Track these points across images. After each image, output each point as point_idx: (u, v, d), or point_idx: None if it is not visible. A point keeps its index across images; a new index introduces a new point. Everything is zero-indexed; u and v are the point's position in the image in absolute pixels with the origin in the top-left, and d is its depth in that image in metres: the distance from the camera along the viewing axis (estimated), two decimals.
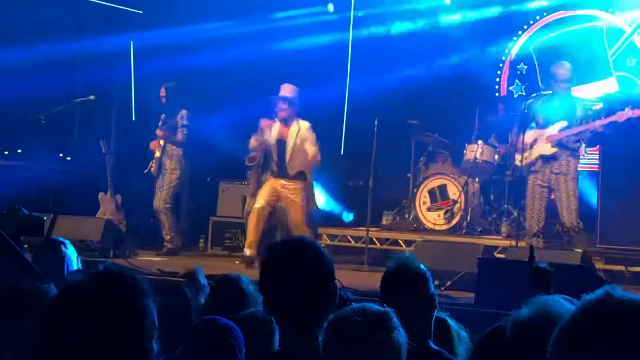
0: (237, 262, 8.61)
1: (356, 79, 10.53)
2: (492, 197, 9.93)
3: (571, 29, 10.50)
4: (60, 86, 9.68)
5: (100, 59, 10.35)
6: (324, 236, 9.76)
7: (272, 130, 8.69)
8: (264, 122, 8.68)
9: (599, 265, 7.92)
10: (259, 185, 8.89)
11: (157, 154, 9.45)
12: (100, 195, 9.89)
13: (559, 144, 8.06)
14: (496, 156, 9.52)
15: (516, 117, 8.57)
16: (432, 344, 3.02)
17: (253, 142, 8.72)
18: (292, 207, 8.69)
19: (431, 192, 9.73)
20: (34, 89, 9.13)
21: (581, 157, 8.73)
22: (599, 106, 8.79)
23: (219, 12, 10.54)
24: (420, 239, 8.70)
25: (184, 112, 9.37)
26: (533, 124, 8.26)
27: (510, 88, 10.98)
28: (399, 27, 10.95)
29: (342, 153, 10.62)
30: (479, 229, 9.50)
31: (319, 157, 8.68)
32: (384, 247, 9.37)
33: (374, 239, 9.39)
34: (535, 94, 8.57)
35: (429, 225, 9.64)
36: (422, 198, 9.76)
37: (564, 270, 5.77)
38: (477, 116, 10.25)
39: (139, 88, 10.91)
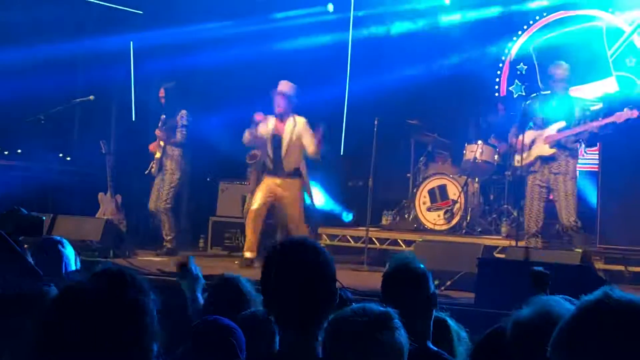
0: (236, 262, 8.60)
1: (356, 79, 10.54)
2: (492, 197, 9.93)
3: (571, 29, 10.50)
4: (60, 86, 9.67)
5: (100, 59, 10.36)
6: (324, 236, 9.76)
7: (268, 125, 8.66)
8: (258, 116, 8.65)
9: (599, 265, 7.92)
10: (259, 183, 8.87)
11: (158, 155, 9.45)
12: (100, 195, 9.89)
13: (558, 144, 8.06)
14: (496, 156, 9.53)
15: (516, 117, 8.57)
16: (430, 345, 3.02)
17: (247, 135, 8.68)
18: (288, 205, 8.66)
19: (431, 192, 9.73)
20: (33, 89, 9.13)
21: (581, 157, 8.74)
22: (597, 106, 8.80)
23: (219, 12, 10.54)
24: (420, 239, 8.70)
25: (183, 112, 9.36)
26: (531, 124, 8.26)
27: (510, 88, 10.99)
28: (398, 27, 10.95)
29: (341, 153, 10.63)
30: (479, 229, 9.50)
31: (320, 149, 8.59)
32: (384, 247, 9.38)
33: (374, 239, 9.40)
34: (534, 94, 8.57)
35: (428, 225, 9.64)
36: (422, 198, 9.76)
37: (564, 270, 5.78)
38: (477, 116, 10.27)
39: (139, 88, 10.91)
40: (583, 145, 8.72)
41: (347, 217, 10.54)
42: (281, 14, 10.91)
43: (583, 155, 9.23)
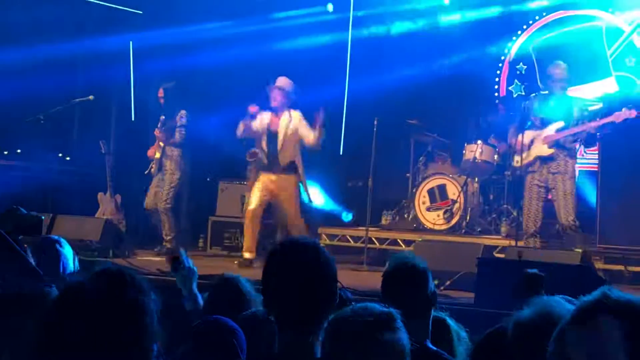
0: (235, 262, 8.59)
1: (355, 79, 10.54)
2: (491, 197, 9.93)
3: (571, 28, 10.50)
4: (59, 86, 9.67)
5: (100, 59, 10.35)
6: (324, 236, 9.76)
7: (263, 120, 8.63)
8: (252, 108, 8.60)
9: (598, 265, 7.92)
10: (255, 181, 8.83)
11: (157, 155, 9.45)
12: (100, 195, 9.89)
13: (556, 144, 8.06)
14: (496, 156, 9.52)
15: (515, 117, 8.57)
16: (429, 344, 3.02)
17: (241, 126, 8.64)
18: (284, 202, 8.62)
19: (430, 192, 9.73)
20: (33, 89, 9.12)
21: (580, 156, 8.74)
22: (596, 106, 8.80)
23: (219, 12, 10.53)
24: (420, 239, 8.70)
25: (183, 112, 9.36)
26: (529, 124, 8.26)
27: (510, 88, 10.99)
28: (398, 27, 10.95)
29: (341, 153, 10.63)
30: (479, 229, 9.50)
31: (320, 135, 8.48)
32: (384, 247, 9.38)
33: (374, 239, 9.39)
34: (534, 94, 8.57)
35: (428, 225, 9.64)
36: (422, 198, 9.76)
37: (564, 270, 5.78)
38: (477, 116, 10.26)
39: (139, 88, 10.91)
40: (582, 145, 8.72)
41: (347, 217, 10.54)
42: (281, 14, 10.91)
43: (583, 155, 9.23)
